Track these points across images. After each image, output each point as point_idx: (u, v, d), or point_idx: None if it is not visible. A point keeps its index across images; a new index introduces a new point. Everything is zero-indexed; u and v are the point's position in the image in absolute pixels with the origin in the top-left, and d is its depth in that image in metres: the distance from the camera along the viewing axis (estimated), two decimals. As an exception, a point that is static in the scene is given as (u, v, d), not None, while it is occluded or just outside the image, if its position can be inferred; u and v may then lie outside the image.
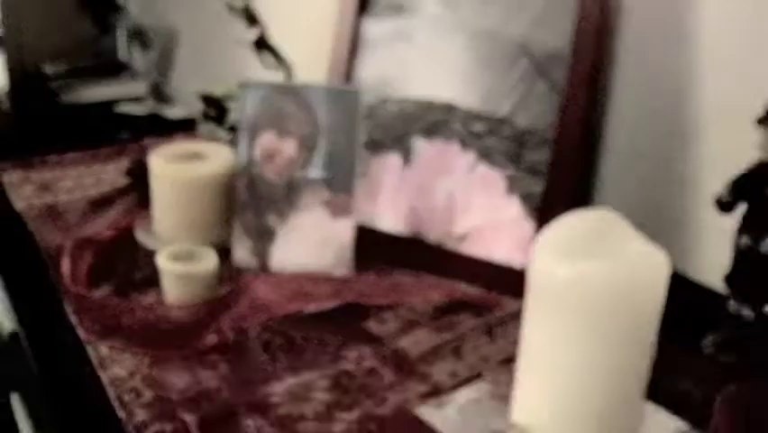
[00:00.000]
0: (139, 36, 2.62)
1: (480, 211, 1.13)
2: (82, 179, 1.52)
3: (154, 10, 2.65)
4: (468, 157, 1.14)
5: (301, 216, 1.11)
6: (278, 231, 1.12)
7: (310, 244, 1.11)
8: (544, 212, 1.09)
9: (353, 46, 1.24)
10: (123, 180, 1.44)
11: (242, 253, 1.14)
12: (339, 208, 1.10)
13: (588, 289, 0.75)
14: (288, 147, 1.10)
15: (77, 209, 1.37)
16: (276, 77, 1.43)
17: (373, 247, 1.16)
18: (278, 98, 1.10)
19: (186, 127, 1.77)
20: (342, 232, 1.10)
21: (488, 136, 1.13)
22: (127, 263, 1.16)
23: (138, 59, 2.83)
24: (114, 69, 2.94)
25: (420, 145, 1.18)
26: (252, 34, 1.41)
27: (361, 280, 1.06)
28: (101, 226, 1.29)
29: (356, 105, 1.09)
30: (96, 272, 1.12)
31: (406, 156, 1.19)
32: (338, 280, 1.08)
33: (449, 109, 1.16)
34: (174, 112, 2.43)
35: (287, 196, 1.11)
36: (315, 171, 1.10)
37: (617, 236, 0.78)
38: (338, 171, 1.10)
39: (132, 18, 2.72)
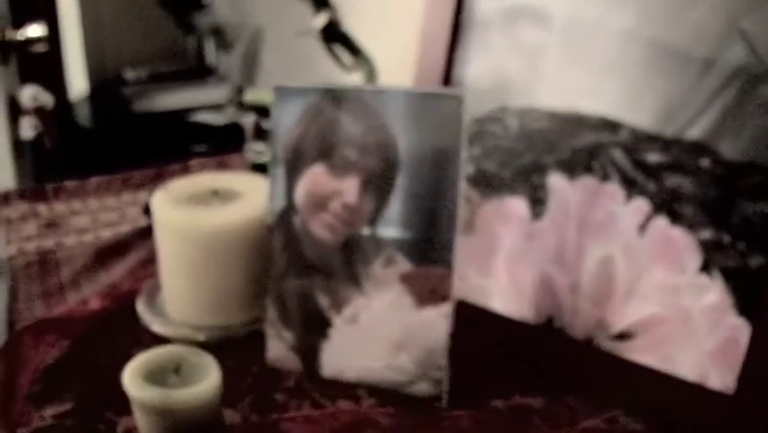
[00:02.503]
0: (219, 35, 2.27)
1: (657, 294, 0.69)
2: (102, 214, 1.15)
3: (238, 6, 2.30)
4: (637, 206, 0.70)
5: (368, 298, 0.69)
6: (334, 320, 0.71)
7: (381, 343, 0.69)
8: (765, 301, 0.64)
9: (455, 30, 0.82)
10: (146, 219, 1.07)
11: (279, 349, 0.73)
12: (428, 289, 0.67)
13: None
14: (349, 188, 0.69)
15: (79, 258, 0.99)
16: (354, 81, 1.02)
17: (481, 340, 0.74)
18: (331, 111, 0.69)
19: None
20: (432, 328, 0.68)
21: (670, 173, 0.68)
22: (113, 353, 0.77)
23: (222, 61, 2.49)
24: (200, 73, 2.61)
25: (558, 185, 0.74)
26: (320, 20, 1.01)
27: (457, 417, 0.63)
28: (98, 288, 0.91)
29: (458, 121, 0.66)
30: (57, 374, 0.73)
31: (536, 201, 0.75)
32: (422, 411, 0.65)
33: (606, 127, 0.72)
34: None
35: (346, 265, 0.69)
36: (391, 228, 0.68)
37: None
38: (427, 228, 0.67)
39: (213, 16, 2.37)
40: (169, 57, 2.67)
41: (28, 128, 1.67)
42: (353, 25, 1.04)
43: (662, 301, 0.69)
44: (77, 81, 2.55)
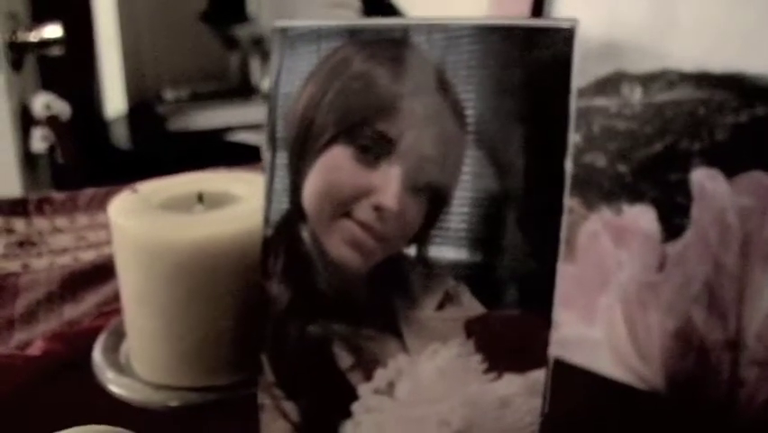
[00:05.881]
0: (261, 45, 2.05)
1: None
2: (90, 232, 0.90)
3: (282, 15, 2.09)
4: None
5: (412, 356, 0.43)
6: (360, 389, 0.44)
7: (432, 427, 0.43)
8: None
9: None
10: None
11: (278, 427, 0.47)
12: (508, 345, 0.41)
13: None
14: (386, 183, 0.43)
15: (44, 285, 0.75)
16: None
17: (584, 418, 0.47)
18: (361, 62, 0.43)
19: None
20: (515, 406, 0.41)
21: None
22: (47, 425, 0.52)
23: (263, 75, 2.28)
24: (244, 92, 2.40)
25: (708, 185, 0.47)
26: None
27: None
28: (56, 325, 0.67)
29: (564, 71, 0.40)
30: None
31: (672, 211, 0.49)
32: None
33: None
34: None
35: (379, 305, 0.44)
36: (450, 247, 0.42)
37: None
38: (504, 247, 0.41)
39: (256, 27, 2.16)
40: (212, 77, 2.48)
41: (39, 140, 1.45)
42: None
43: None
44: (116, 100, 2.37)
